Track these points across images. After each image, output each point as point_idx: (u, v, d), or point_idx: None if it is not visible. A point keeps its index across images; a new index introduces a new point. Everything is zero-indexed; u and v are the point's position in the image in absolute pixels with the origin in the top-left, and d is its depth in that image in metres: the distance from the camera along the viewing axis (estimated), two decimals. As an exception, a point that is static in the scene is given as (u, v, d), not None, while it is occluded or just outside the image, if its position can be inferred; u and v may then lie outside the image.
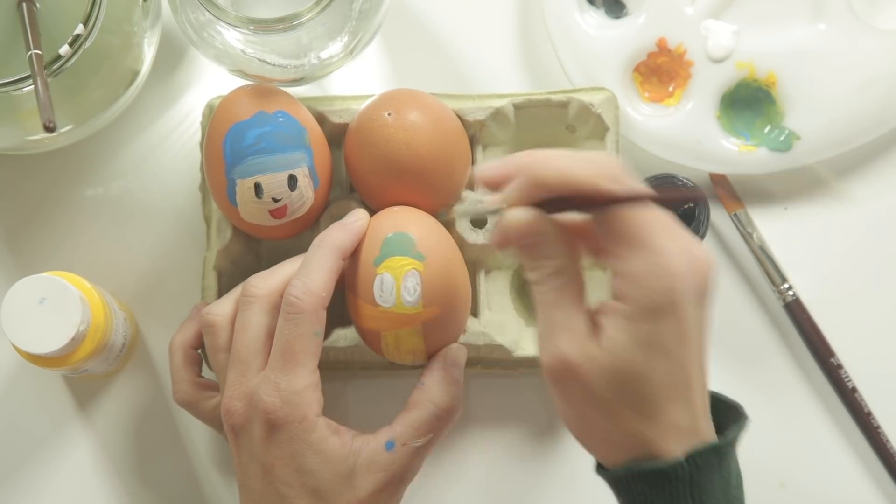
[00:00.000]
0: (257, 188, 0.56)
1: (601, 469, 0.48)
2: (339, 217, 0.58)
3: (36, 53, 0.54)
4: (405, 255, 0.54)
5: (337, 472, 0.52)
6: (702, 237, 0.60)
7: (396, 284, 0.54)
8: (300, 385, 0.51)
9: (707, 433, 0.46)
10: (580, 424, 0.48)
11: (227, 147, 0.56)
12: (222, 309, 0.55)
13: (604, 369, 0.46)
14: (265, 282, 0.54)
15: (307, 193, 0.57)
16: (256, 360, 0.53)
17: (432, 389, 0.54)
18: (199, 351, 0.58)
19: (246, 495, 0.53)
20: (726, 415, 0.48)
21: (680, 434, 0.46)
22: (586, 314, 0.47)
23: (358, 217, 0.55)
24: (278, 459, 0.51)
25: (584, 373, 0.46)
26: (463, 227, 0.59)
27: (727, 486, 0.46)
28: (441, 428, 0.54)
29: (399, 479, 0.53)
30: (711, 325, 0.47)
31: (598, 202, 0.46)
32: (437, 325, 0.55)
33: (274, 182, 0.56)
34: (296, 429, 0.51)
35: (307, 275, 0.52)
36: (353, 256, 0.56)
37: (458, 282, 0.56)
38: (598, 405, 0.46)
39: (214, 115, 0.57)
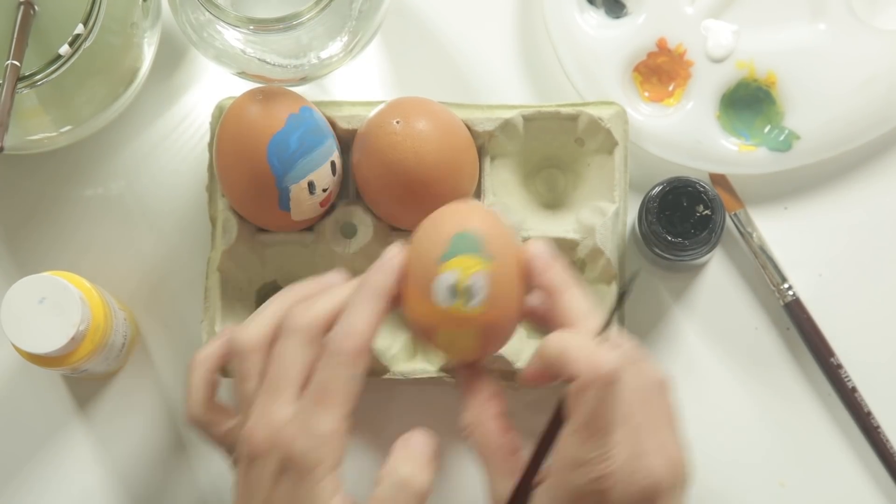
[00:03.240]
0: (311, 186, 0.57)
1: None
2: (345, 223, 0.59)
3: (13, 64, 0.54)
4: (473, 255, 0.52)
5: None
6: (714, 245, 0.60)
7: (461, 285, 0.52)
8: (328, 427, 0.49)
9: None
10: None
11: (274, 159, 0.56)
12: (253, 334, 0.53)
13: None
14: (308, 312, 0.52)
15: (339, 173, 0.59)
16: (288, 391, 0.50)
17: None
18: (219, 375, 0.57)
19: None
20: None
21: None
22: None
23: (394, 254, 0.53)
24: (279, 501, 0.49)
25: None
26: None
27: None
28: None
29: None
30: None
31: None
32: (495, 328, 0.53)
33: (322, 175, 0.58)
34: (305, 475, 0.49)
35: (352, 319, 0.50)
36: (415, 246, 0.54)
37: (518, 285, 0.54)
38: None
39: (238, 130, 0.56)
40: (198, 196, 0.62)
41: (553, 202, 0.64)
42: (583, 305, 0.51)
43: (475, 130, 0.60)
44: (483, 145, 0.61)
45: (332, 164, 0.58)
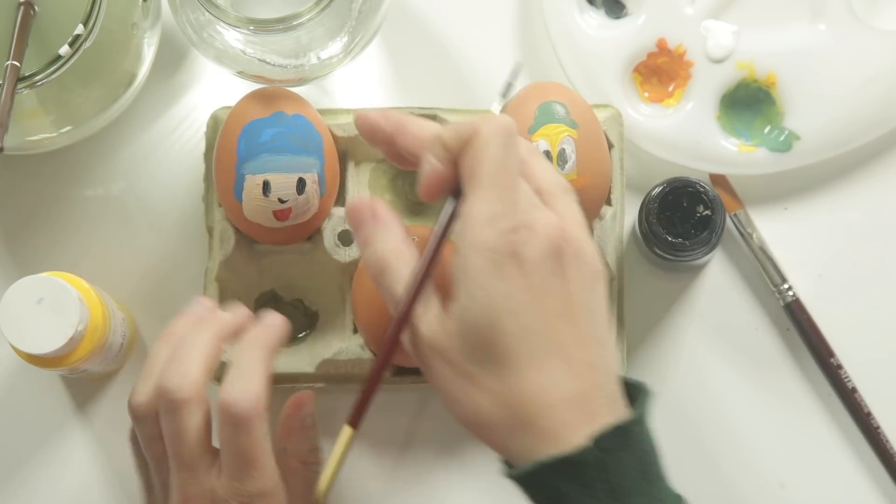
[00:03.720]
0: (266, 186, 0.56)
1: (509, 470, 0.46)
2: (342, 230, 0.59)
3: (13, 64, 0.53)
4: (560, 123, 0.55)
5: None
6: (715, 245, 0.60)
7: (553, 151, 0.54)
8: (266, 486, 0.49)
9: (607, 412, 0.45)
10: (461, 410, 0.46)
11: (242, 142, 0.56)
12: (141, 400, 0.50)
13: (455, 338, 0.46)
14: (184, 378, 0.49)
15: (313, 200, 0.57)
16: (204, 459, 0.49)
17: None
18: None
19: None
20: (635, 397, 0.47)
21: (565, 403, 0.44)
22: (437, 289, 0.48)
23: (275, 321, 0.52)
24: None
25: (441, 348, 0.46)
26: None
27: (643, 465, 0.45)
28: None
29: None
30: (594, 295, 0.46)
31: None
32: (588, 193, 0.55)
33: (283, 182, 0.56)
34: None
35: (244, 381, 0.49)
36: None
37: (604, 151, 0.57)
38: (463, 377, 0.46)
39: (233, 112, 0.58)
40: (198, 196, 0.62)
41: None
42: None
43: None
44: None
45: (301, 181, 0.56)
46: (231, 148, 0.57)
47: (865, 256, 0.64)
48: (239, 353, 0.50)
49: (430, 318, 0.47)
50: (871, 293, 0.64)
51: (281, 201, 0.56)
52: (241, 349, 0.50)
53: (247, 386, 0.48)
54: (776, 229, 0.64)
